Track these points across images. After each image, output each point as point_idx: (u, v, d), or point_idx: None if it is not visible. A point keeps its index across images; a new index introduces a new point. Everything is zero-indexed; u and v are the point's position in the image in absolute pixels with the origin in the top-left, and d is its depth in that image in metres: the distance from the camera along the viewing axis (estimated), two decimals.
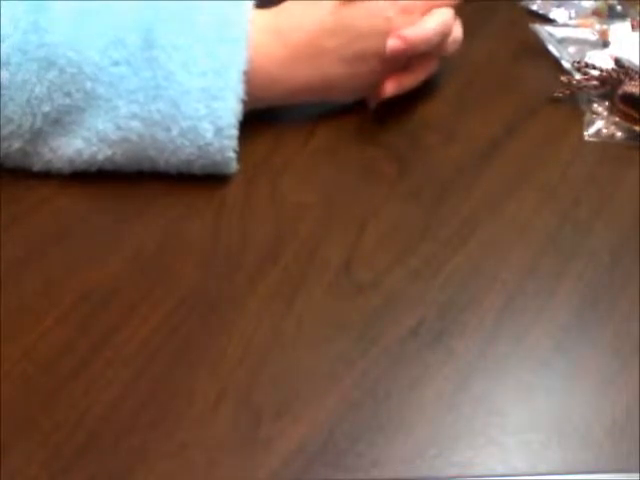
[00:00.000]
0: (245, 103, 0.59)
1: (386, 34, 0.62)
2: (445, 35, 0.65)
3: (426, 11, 0.64)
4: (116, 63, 0.57)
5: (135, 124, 0.58)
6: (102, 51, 0.57)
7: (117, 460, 0.45)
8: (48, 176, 0.60)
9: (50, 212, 0.59)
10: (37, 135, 0.58)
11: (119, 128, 0.58)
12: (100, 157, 0.59)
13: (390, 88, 0.64)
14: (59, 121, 0.58)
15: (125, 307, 0.53)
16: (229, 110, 0.58)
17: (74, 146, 0.58)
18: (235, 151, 0.60)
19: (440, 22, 0.64)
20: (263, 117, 0.64)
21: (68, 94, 0.57)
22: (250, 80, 0.59)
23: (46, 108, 0.57)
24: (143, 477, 0.45)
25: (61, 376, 0.49)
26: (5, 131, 0.57)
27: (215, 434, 0.47)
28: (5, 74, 0.56)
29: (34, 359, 0.50)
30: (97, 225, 0.59)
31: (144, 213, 0.59)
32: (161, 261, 0.56)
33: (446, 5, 0.65)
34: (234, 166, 0.61)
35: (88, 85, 0.57)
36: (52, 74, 0.56)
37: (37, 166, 0.60)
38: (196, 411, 0.48)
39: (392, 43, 0.62)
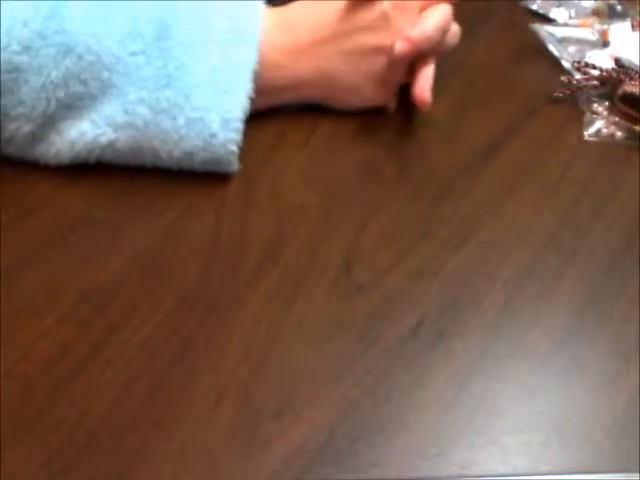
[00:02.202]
0: (252, 101, 0.60)
1: (383, 29, 0.64)
2: (445, 32, 0.66)
3: (422, 7, 0.65)
4: (133, 54, 0.58)
5: (142, 110, 0.58)
6: (120, 41, 0.57)
7: (117, 460, 0.45)
8: (48, 176, 0.60)
9: (50, 212, 0.59)
10: (49, 120, 0.58)
11: (126, 112, 0.58)
12: (103, 140, 0.58)
13: (426, 95, 0.65)
14: (70, 106, 0.58)
15: (125, 307, 0.53)
16: (237, 103, 0.59)
17: (80, 128, 0.58)
18: (238, 146, 0.60)
19: (441, 19, 0.65)
20: (263, 117, 0.64)
21: (84, 82, 0.57)
22: (258, 70, 0.60)
23: (60, 94, 0.57)
24: (143, 477, 0.45)
25: (61, 376, 0.49)
26: (14, 113, 0.57)
27: (215, 434, 0.47)
28: (25, 58, 0.56)
29: (34, 359, 0.50)
30: (97, 225, 0.59)
31: (144, 213, 0.59)
32: (161, 261, 0.56)
33: (443, 1, 0.66)
34: (235, 164, 0.61)
35: (105, 74, 0.57)
36: (69, 60, 0.56)
37: (38, 150, 0.59)
38: (196, 411, 0.48)
39: (400, 46, 0.63)
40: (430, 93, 0.65)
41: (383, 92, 0.66)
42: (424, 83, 0.65)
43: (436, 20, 0.65)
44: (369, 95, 0.66)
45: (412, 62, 0.66)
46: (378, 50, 0.64)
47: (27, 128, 0.58)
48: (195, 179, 0.60)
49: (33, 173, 0.60)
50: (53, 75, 0.57)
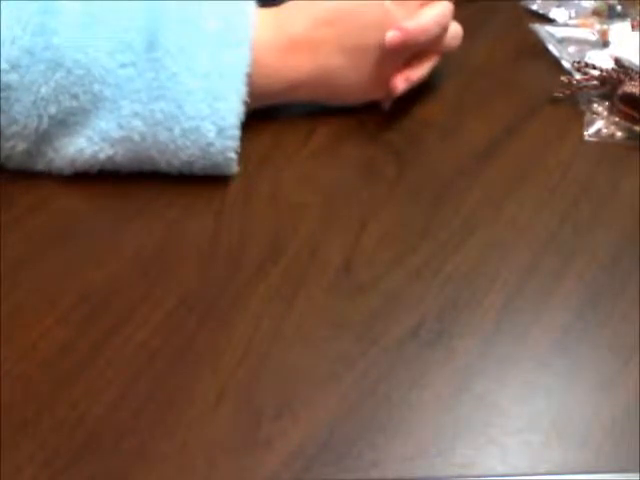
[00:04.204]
0: (248, 103, 0.59)
1: (384, 25, 0.63)
2: (443, 27, 0.66)
3: (423, 4, 0.65)
4: (123, 65, 0.57)
5: (137, 123, 0.58)
6: (109, 53, 0.57)
7: (117, 460, 0.45)
8: (48, 177, 0.60)
9: (50, 212, 0.59)
10: (42, 136, 0.58)
11: (121, 127, 0.58)
12: (102, 156, 0.59)
13: (400, 85, 0.65)
14: (64, 122, 0.58)
15: (125, 307, 0.53)
16: (232, 111, 0.58)
17: (77, 145, 0.58)
18: (236, 152, 0.60)
19: (438, 13, 0.65)
20: (263, 117, 0.64)
21: (75, 96, 0.57)
22: (252, 75, 0.59)
23: (52, 110, 0.57)
24: (143, 477, 0.45)
25: (61, 376, 0.49)
26: (9, 131, 0.57)
27: (215, 434, 0.47)
28: (15, 76, 0.56)
29: (34, 359, 0.50)
30: (97, 225, 0.59)
31: (144, 213, 0.59)
32: (161, 261, 0.56)
33: None
34: (235, 168, 0.61)
35: (96, 87, 0.57)
36: (59, 75, 0.56)
37: (39, 166, 0.60)
38: (196, 411, 0.48)
39: (391, 35, 0.62)
40: (404, 87, 0.65)
41: (381, 87, 0.66)
42: (408, 74, 0.65)
43: (433, 13, 0.65)
44: (368, 91, 0.66)
45: (412, 57, 0.66)
46: (379, 46, 0.64)
47: (22, 146, 0.58)
48: (195, 179, 0.60)
49: (33, 173, 0.60)
50: (43, 91, 0.56)
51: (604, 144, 0.67)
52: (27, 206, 0.59)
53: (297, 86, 0.64)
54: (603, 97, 0.70)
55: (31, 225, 0.58)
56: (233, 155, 0.60)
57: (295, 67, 0.63)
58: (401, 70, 0.65)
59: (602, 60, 0.71)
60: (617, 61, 0.70)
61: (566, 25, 0.78)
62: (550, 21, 0.79)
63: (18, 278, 0.54)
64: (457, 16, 0.67)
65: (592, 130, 0.68)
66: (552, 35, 0.76)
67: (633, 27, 0.76)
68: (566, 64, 0.73)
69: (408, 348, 0.51)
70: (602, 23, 0.77)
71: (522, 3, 0.81)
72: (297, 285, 0.55)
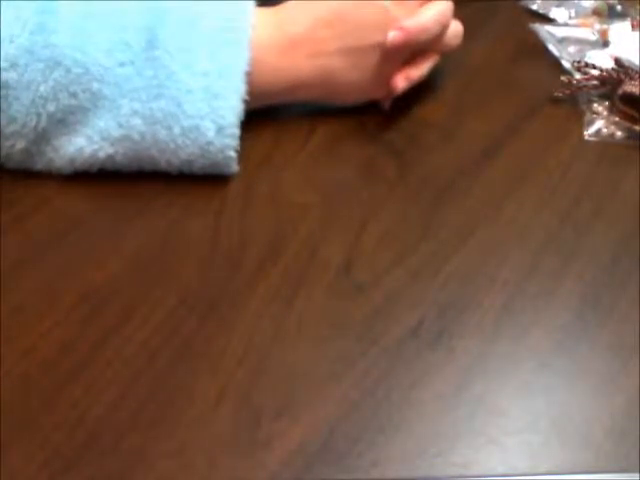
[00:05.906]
0: (248, 102, 0.59)
1: (384, 25, 0.63)
2: (444, 26, 0.66)
3: (422, 3, 0.65)
4: (122, 64, 0.57)
5: (136, 122, 0.58)
6: (108, 52, 0.57)
7: (117, 460, 0.45)
8: (48, 177, 0.60)
9: (50, 212, 0.59)
10: (41, 135, 0.58)
11: (121, 126, 0.58)
12: (101, 155, 0.59)
13: (401, 83, 0.65)
14: (63, 121, 0.58)
15: (125, 307, 0.53)
16: (231, 109, 0.58)
17: (76, 144, 0.58)
18: (236, 151, 0.60)
19: (438, 12, 0.65)
20: (263, 117, 0.64)
21: (74, 95, 0.57)
22: (252, 74, 0.59)
23: (51, 108, 0.57)
24: (143, 477, 0.45)
25: (61, 376, 0.49)
26: (8, 130, 0.57)
27: (215, 434, 0.47)
28: (13, 75, 0.56)
29: (34, 359, 0.50)
30: (97, 225, 0.59)
31: (144, 213, 0.59)
32: (161, 261, 0.56)
33: None
34: (235, 167, 0.61)
35: (94, 86, 0.57)
36: (57, 73, 0.56)
37: (38, 165, 0.60)
38: (196, 411, 0.48)
39: (393, 35, 0.62)
40: (404, 86, 0.65)
41: (381, 86, 0.66)
42: (408, 73, 0.65)
43: (433, 12, 0.65)
44: (368, 90, 0.66)
45: (412, 56, 0.66)
46: (379, 46, 0.64)
47: (20, 145, 0.58)
48: (195, 179, 0.60)
49: (33, 173, 0.60)
50: (42, 89, 0.57)
51: (604, 144, 0.67)
52: (27, 206, 0.59)
53: (297, 86, 0.64)
54: (603, 97, 0.70)
55: (31, 225, 0.58)
56: (233, 154, 0.60)
57: (295, 67, 0.63)
58: (401, 69, 0.65)
59: (602, 60, 0.71)
60: (617, 61, 0.70)
61: (566, 25, 0.78)
62: (550, 21, 0.79)
63: (18, 278, 0.54)
64: (457, 16, 0.67)
65: (592, 130, 0.68)
66: (552, 35, 0.76)
67: (633, 27, 0.76)
68: (566, 64, 0.73)
69: (408, 348, 0.51)
70: (602, 23, 0.77)
71: (522, 3, 0.81)
72: (297, 285, 0.55)
